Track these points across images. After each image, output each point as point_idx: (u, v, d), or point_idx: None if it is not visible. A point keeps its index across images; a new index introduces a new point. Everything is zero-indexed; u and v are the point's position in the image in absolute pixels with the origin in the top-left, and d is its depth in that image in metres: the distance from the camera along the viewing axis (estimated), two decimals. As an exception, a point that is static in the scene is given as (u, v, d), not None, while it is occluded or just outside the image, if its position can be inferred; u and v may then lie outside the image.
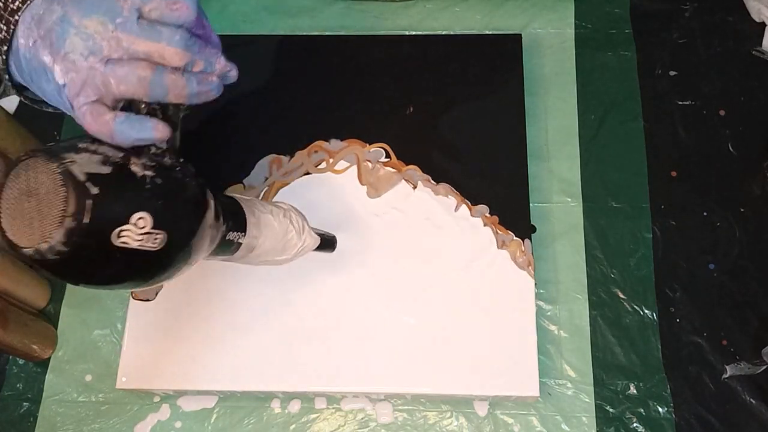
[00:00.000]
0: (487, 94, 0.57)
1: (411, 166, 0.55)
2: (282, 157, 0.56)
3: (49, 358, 0.55)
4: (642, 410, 0.51)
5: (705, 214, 0.57)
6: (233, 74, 0.39)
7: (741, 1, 0.63)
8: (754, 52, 0.62)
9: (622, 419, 0.51)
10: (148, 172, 0.34)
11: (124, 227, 0.32)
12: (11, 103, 0.64)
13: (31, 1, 0.36)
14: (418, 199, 0.54)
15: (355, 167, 0.55)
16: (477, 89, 0.57)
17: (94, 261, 0.33)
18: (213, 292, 0.52)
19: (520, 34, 0.59)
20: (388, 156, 0.55)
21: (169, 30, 0.35)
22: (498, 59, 0.58)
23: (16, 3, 0.36)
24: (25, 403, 0.54)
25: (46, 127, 0.62)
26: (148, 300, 0.52)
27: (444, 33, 0.63)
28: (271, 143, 0.56)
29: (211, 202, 0.38)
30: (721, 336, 0.53)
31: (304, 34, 0.64)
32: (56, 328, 0.56)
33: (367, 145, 0.56)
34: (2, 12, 0.36)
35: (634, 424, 0.51)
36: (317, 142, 0.56)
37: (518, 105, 0.56)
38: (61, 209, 0.31)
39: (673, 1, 0.64)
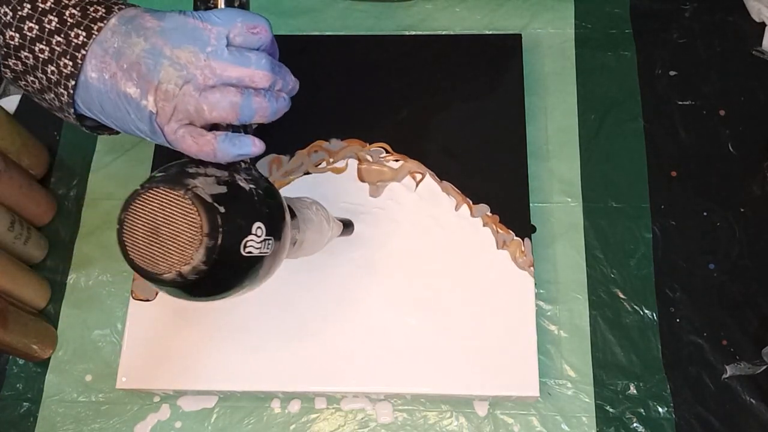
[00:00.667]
0: (487, 94, 0.57)
1: (414, 161, 0.55)
2: (282, 156, 0.56)
3: (49, 358, 0.55)
4: (642, 410, 0.51)
5: (705, 214, 0.57)
6: (296, 87, 0.41)
7: (741, 1, 0.63)
8: (754, 52, 0.62)
9: (622, 419, 0.51)
10: (251, 186, 0.38)
11: (249, 238, 0.36)
12: (11, 103, 0.64)
13: (97, 35, 0.36)
14: (419, 199, 0.54)
15: (355, 165, 0.55)
16: (477, 89, 0.57)
17: (228, 274, 0.37)
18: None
19: (520, 34, 0.59)
20: (388, 152, 0.55)
21: (256, 55, 0.38)
22: (498, 59, 0.58)
23: (81, 38, 0.36)
24: (25, 403, 0.54)
25: (47, 127, 0.62)
26: (148, 300, 0.52)
27: (444, 33, 0.63)
28: (271, 143, 0.56)
29: (286, 204, 0.41)
30: (721, 336, 0.53)
31: (304, 34, 0.64)
32: (56, 328, 0.56)
33: (367, 144, 0.56)
34: (66, 47, 0.36)
35: (634, 424, 0.51)
36: (317, 142, 0.56)
37: (518, 105, 0.56)
38: (198, 231, 0.34)
39: (673, 1, 0.64)
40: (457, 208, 0.53)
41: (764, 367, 0.52)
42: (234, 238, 0.35)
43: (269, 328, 0.51)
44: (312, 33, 0.64)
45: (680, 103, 0.60)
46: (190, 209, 0.34)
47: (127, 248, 0.35)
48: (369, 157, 0.55)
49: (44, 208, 0.59)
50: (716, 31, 0.63)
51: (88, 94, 0.37)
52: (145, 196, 0.35)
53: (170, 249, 0.34)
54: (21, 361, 0.55)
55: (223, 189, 0.36)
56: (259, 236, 0.36)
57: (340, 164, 0.55)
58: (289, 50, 0.60)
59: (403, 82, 0.58)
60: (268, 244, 0.37)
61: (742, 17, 0.63)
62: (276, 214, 0.39)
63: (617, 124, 0.60)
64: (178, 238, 0.34)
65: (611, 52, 0.62)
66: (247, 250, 0.36)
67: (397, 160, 0.55)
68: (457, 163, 0.55)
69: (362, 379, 0.49)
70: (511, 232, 0.52)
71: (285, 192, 0.54)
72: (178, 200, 0.34)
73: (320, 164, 0.56)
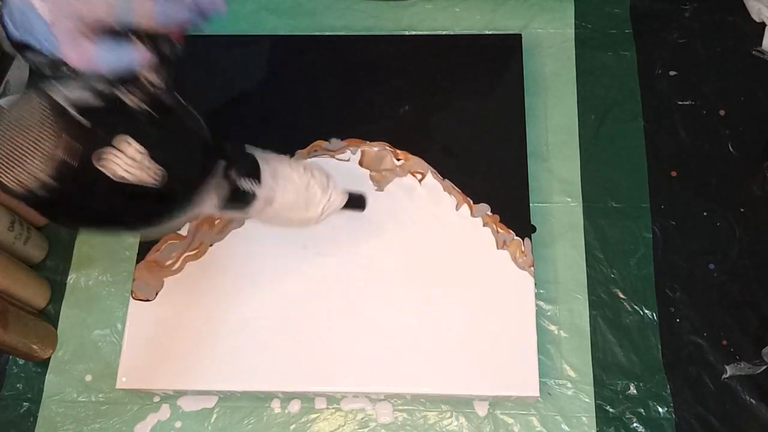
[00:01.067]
0: (487, 94, 0.57)
1: (417, 157, 0.55)
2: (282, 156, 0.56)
3: (49, 358, 0.55)
4: (642, 410, 0.51)
5: (705, 214, 0.57)
6: (218, 2, 0.36)
7: (741, 1, 0.63)
8: (754, 52, 0.62)
9: (622, 419, 0.51)
10: (143, 106, 0.33)
11: (106, 149, 0.32)
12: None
13: None
14: (420, 197, 0.54)
15: (358, 154, 0.55)
16: (477, 89, 0.57)
17: (84, 193, 0.32)
18: (213, 292, 0.52)
19: (520, 34, 0.59)
20: (392, 149, 0.56)
21: None
22: (498, 59, 0.58)
23: None
24: (25, 403, 0.54)
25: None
26: (148, 300, 0.52)
27: (444, 33, 0.63)
28: (271, 143, 0.56)
29: (219, 147, 0.37)
30: (721, 336, 0.53)
31: (304, 34, 0.64)
32: (56, 328, 0.56)
33: (368, 142, 0.56)
34: None
35: (634, 424, 0.51)
36: (317, 142, 0.56)
37: (518, 105, 0.56)
38: (45, 141, 0.30)
39: (673, 1, 0.64)
40: (457, 207, 0.53)
41: (764, 367, 0.52)
42: (85, 146, 0.31)
43: (269, 328, 0.51)
44: (312, 33, 0.64)
45: (680, 103, 0.60)
46: (47, 117, 0.31)
47: None
48: (373, 148, 0.55)
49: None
50: (716, 31, 0.63)
51: (11, 13, 0.34)
52: (8, 101, 0.32)
53: (16, 159, 0.31)
54: (21, 361, 0.55)
55: (93, 100, 0.32)
56: (129, 155, 0.32)
57: (342, 156, 0.55)
58: (289, 50, 0.60)
59: (403, 82, 0.58)
60: (153, 172, 0.33)
61: (742, 17, 0.63)
62: (179, 146, 0.35)
63: (617, 124, 0.60)
64: (24, 148, 0.31)
65: (611, 52, 0.62)
66: (102, 163, 0.32)
67: (399, 159, 0.55)
68: (457, 163, 0.55)
69: (362, 379, 0.49)
70: (511, 231, 0.52)
71: None
72: (37, 107, 0.31)
73: (321, 156, 0.56)
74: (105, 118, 0.32)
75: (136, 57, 0.34)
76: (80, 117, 0.31)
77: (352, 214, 0.53)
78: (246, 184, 0.39)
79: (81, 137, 0.31)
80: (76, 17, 0.33)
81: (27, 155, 0.31)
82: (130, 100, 0.34)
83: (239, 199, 0.40)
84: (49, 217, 0.33)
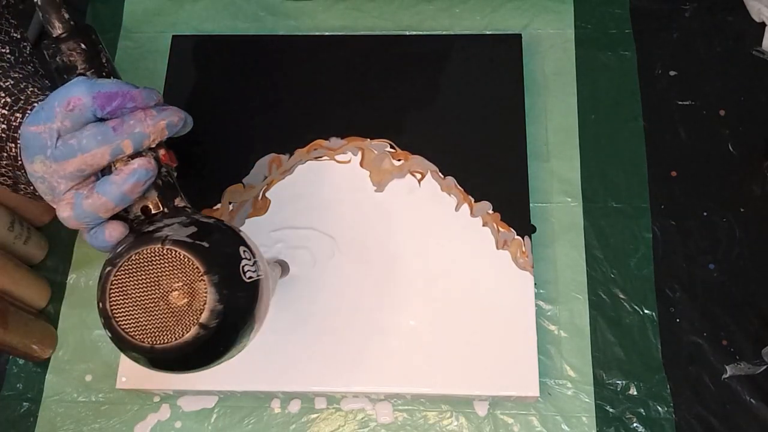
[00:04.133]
0: (487, 94, 0.57)
1: (417, 156, 0.55)
2: (282, 156, 0.56)
3: (49, 358, 0.55)
4: (642, 410, 0.51)
5: (705, 214, 0.57)
6: (178, 120, 0.38)
7: (741, 1, 0.63)
8: (754, 52, 0.62)
9: (622, 419, 0.51)
10: (210, 219, 0.38)
11: (242, 262, 0.34)
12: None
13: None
14: (420, 198, 0.54)
15: (359, 156, 0.55)
16: (477, 89, 0.57)
17: (243, 303, 0.35)
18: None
19: (520, 34, 0.59)
20: (392, 148, 0.56)
21: (82, 136, 0.35)
22: (498, 59, 0.58)
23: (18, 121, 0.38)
24: (25, 403, 0.54)
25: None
26: None
27: (444, 33, 0.63)
28: (271, 143, 0.56)
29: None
30: (721, 336, 0.53)
31: (304, 34, 0.64)
32: (56, 328, 0.56)
33: (368, 141, 0.56)
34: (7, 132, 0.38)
35: (634, 424, 0.51)
36: (317, 141, 0.56)
37: (518, 105, 0.56)
38: (197, 272, 0.32)
39: (673, 1, 0.64)
40: (457, 207, 0.53)
41: (764, 367, 0.52)
42: (232, 266, 0.34)
43: (269, 328, 0.50)
44: (312, 33, 0.64)
45: (680, 103, 0.60)
46: (178, 255, 0.32)
47: (128, 329, 0.33)
48: (373, 150, 0.55)
49: (44, 207, 0.58)
50: (716, 31, 0.63)
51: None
52: (126, 266, 0.33)
53: (176, 307, 0.32)
54: (21, 361, 0.55)
55: (192, 228, 0.35)
56: (249, 259, 0.35)
57: (343, 157, 0.55)
58: (290, 50, 0.60)
59: (403, 82, 0.58)
60: (258, 265, 0.36)
61: (742, 17, 0.63)
62: (244, 237, 0.37)
63: (617, 124, 0.60)
64: (180, 289, 0.32)
65: (611, 52, 0.62)
66: (248, 275, 0.34)
67: (399, 159, 0.55)
68: (457, 163, 0.55)
69: (362, 379, 0.49)
70: (512, 230, 0.52)
71: (284, 183, 0.55)
72: (161, 253, 0.33)
73: (321, 158, 0.56)
74: (212, 236, 0.35)
75: (107, 238, 0.36)
76: (200, 242, 0.33)
77: (353, 215, 0.54)
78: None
79: (216, 258, 0.33)
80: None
81: (191, 296, 0.32)
82: (203, 217, 0.37)
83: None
84: (218, 348, 0.35)
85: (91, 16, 0.66)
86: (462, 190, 0.54)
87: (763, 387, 0.51)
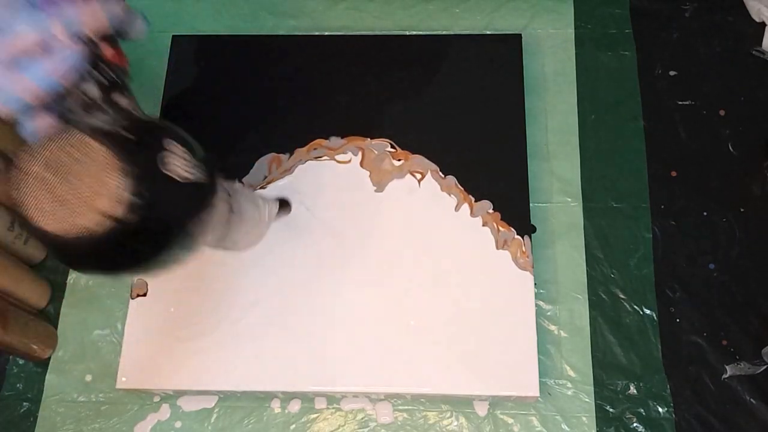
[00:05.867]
0: (487, 94, 0.57)
1: (417, 156, 0.55)
2: (281, 155, 0.56)
3: (49, 358, 0.55)
4: (642, 410, 0.51)
5: (705, 214, 0.57)
6: (139, 27, 0.37)
7: (741, 1, 0.63)
8: (754, 52, 0.62)
9: (622, 419, 0.51)
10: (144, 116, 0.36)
11: (164, 153, 0.32)
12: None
13: None
14: (420, 198, 0.54)
15: (359, 156, 0.55)
16: (477, 89, 0.57)
17: (168, 198, 0.32)
18: (213, 292, 0.52)
19: (520, 34, 0.59)
20: (393, 148, 0.56)
21: (10, 21, 0.33)
22: (498, 59, 0.58)
23: None
24: (25, 403, 0.54)
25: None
26: (145, 295, 0.52)
27: (444, 33, 0.63)
28: (271, 142, 0.56)
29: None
30: (721, 336, 0.53)
31: (304, 34, 0.64)
32: (56, 328, 0.56)
33: (368, 140, 0.56)
34: None
35: (634, 424, 0.51)
36: (317, 140, 0.56)
37: (518, 105, 0.56)
38: (113, 159, 0.30)
39: (673, 1, 0.64)
40: (457, 208, 0.53)
41: (764, 367, 0.52)
42: (157, 162, 0.32)
43: (269, 328, 0.51)
44: (312, 33, 0.64)
45: (680, 103, 0.60)
46: (92, 144, 0.31)
47: (32, 212, 0.30)
48: (373, 150, 0.55)
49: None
50: (716, 31, 0.63)
51: None
52: (37, 150, 0.31)
53: (87, 194, 0.30)
54: (21, 361, 0.55)
55: (122, 123, 0.33)
56: (184, 159, 0.33)
57: (343, 157, 0.55)
58: (290, 50, 0.60)
59: (403, 81, 0.58)
60: (200, 169, 0.34)
61: (742, 17, 0.63)
62: (186, 138, 0.35)
63: (617, 124, 0.60)
64: (92, 179, 0.30)
65: (611, 52, 0.62)
66: (181, 175, 0.32)
67: (399, 160, 0.55)
68: (457, 162, 0.55)
69: (362, 379, 0.49)
70: (512, 229, 0.52)
71: (284, 182, 0.55)
72: (76, 140, 0.31)
73: (321, 158, 0.56)
74: (139, 128, 0.33)
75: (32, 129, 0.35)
76: (126, 133, 0.32)
77: (353, 215, 0.53)
78: (230, 200, 0.40)
79: (136, 151, 0.31)
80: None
81: (100, 185, 0.30)
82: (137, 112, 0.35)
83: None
84: (135, 241, 0.32)
85: (91, 16, 0.66)
86: (462, 189, 0.54)
87: (763, 387, 0.51)
